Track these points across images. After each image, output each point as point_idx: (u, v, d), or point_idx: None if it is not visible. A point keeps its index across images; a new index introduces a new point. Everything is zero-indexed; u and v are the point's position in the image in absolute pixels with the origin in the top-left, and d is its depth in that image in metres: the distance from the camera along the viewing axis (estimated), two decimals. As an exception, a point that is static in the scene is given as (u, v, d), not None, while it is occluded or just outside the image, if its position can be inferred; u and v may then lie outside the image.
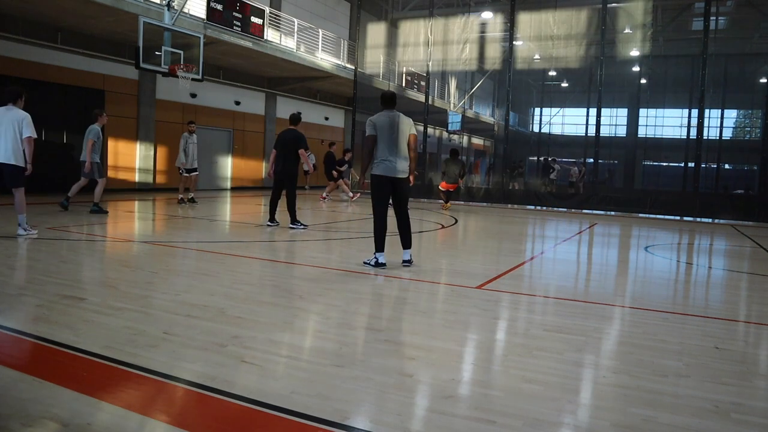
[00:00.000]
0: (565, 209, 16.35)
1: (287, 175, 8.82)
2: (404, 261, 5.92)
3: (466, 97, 24.90)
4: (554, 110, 29.53)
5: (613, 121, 26.48)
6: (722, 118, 23.07)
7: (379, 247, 5.81)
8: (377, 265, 5.77)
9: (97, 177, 9.76)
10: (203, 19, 14.26)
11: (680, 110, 25.58)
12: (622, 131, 27.59)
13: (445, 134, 27.54)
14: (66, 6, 11.82)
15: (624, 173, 25.87)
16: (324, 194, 15.40)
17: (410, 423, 2.39)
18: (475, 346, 3.56)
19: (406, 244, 5.97)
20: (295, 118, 9.05)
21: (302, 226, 8.87)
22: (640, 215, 15.31)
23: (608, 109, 23.91)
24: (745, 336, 4.19)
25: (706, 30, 15.15)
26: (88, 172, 9.67)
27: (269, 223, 9.08)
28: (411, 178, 5.95)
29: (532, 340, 3.65)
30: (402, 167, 5.81)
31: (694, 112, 16.83)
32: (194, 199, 12.64)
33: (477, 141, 34.13)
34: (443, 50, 20.23)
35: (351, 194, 16.08)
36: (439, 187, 15.33)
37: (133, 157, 15.86)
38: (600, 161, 18.47)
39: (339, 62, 20.31)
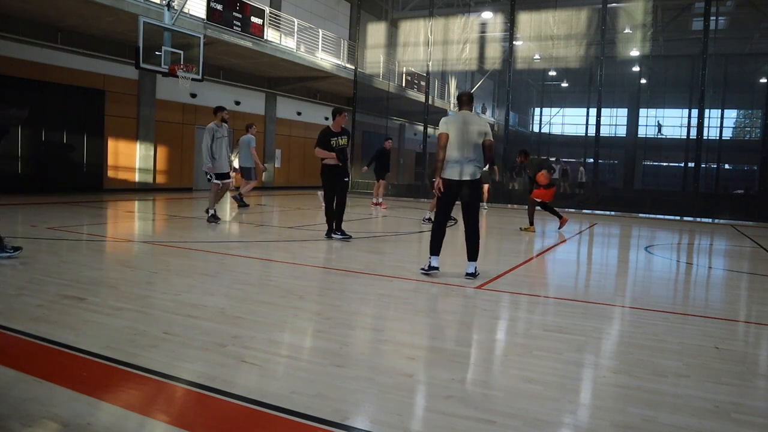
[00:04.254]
0: (565, 209, 16.34)
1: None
2: (467, 273, 5.48)
3: (466, 97, 24.85)
4: (554, 110, 29.54)
5: (613, 121, 26.48)
6: (722, 118, 23.06)
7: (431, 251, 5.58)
8: (428, 269, 5.51)
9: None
10: (203, 19, 14.26)
11: (680, 110, 25.58)
12: (622, 131, 27.59)
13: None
14: (66, 6, 11.82)
15: (624, 173, 25.86)
16: (377, 200, 14.07)
17: (410, 423, 2.39)
18: (475, 346, 3.55)
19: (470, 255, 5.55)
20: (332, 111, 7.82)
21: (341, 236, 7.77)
22: (640, 215, 15.31)
23: (608, 109, 23.90)
24: (745, 336, 4.19)
25: (706, 30, 15.16)
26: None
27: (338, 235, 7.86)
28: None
29: (532, 340, 3.65)
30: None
31: (694, 112, 16.85)
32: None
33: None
34: (443, 50, 20.22)
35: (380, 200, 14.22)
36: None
37: (133, 157, 15.85)
38: (600, 161, 18.46)
39: (339, 62, 20.30)
